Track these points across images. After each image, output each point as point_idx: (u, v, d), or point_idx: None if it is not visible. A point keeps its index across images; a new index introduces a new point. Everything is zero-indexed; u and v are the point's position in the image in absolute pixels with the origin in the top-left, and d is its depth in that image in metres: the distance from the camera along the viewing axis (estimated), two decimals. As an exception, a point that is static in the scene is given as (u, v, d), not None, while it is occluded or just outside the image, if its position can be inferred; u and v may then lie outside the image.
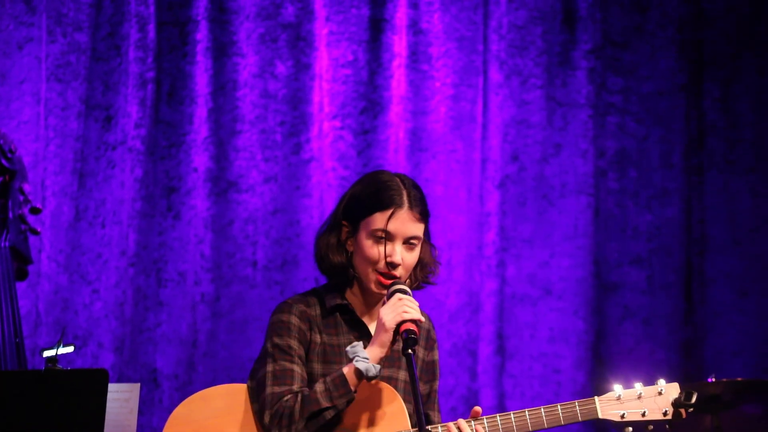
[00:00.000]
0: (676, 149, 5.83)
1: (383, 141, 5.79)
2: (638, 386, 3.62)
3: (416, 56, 5.83)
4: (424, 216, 3.53)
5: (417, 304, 3.45)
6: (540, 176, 5.82)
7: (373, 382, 3.48)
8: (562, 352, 5.72)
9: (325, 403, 3.40)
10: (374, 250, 3.50)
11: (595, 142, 5.82)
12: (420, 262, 3.58)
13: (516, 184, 5.83)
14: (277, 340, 3.53)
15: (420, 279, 3.62)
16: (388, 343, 3.43)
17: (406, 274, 3.54)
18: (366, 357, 3.41)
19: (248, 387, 3.56)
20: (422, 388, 3.65)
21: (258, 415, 3.49)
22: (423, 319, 3.45)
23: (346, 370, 3.43)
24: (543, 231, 5.81)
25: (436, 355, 3.72)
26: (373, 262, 3.50)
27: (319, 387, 3.42)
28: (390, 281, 3.49)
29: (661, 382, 3.61)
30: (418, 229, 3.51)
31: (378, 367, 3.41)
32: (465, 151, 5.82)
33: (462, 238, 5.79)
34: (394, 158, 5.78)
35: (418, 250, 3.54)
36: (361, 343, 3.45)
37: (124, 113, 5.67)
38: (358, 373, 3.41)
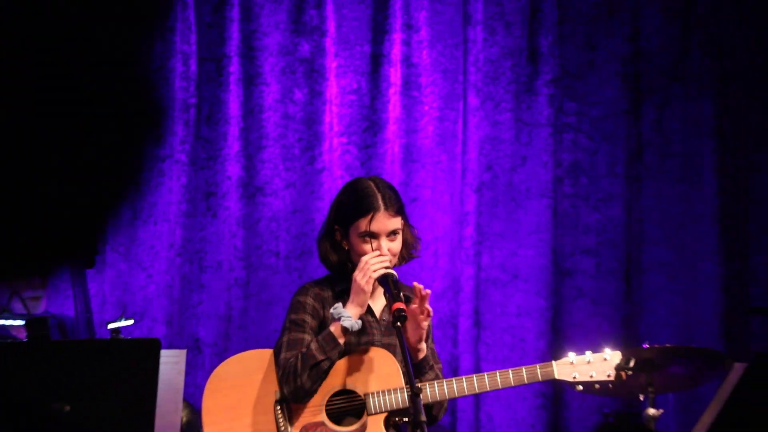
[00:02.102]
0: (619, 161, 5.82)
1: (382, 154, 5.78)
2: (588, 353, 3.66)
3: (408, 85, 5.81)
4: (399, 210, 3.52)
5: (386, 257, 3.44)
6: (510, 183, 5.81)
7: (375, 349, 3.52)
8: (526, 325, 5.71)
9: (320, 357, 3.40)
10: (365, 248, 3.51)
11: (555, 155, 5.80)
12: (405, 243, 3.59)
13: (490, 189, 5.81)
14: (293, 316, 3.54)
15: (407, 256, 3.64)
16: (366, 302, 3.45)
17: (396, 258, 3.56)
18: (348, 315, 3.43)
19: (273, 353, 3.57)
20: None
21: (277, 375, 3.50)
22: (393, 271, 3.44)
23: (332, 328, 3.44)
24: (512, 227, 5.80)
25: (429, 325, 3.70)
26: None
27: (313, 345, 3.42)
28: None
29: (607, 350, 3.65)
30: (396, 222, 3.51)
31: (360, 322, 3.43)
32: (448, 162, 5.80)
33: (446, 233, 5.78)
34: (391, 168, 5.76)
35: (400, 236, 3.55)
36: (339, 304, 3.46)
37: (171, 132, 5.65)
38: (344, 329, 3.43)
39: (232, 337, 5.60)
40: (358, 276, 3.44)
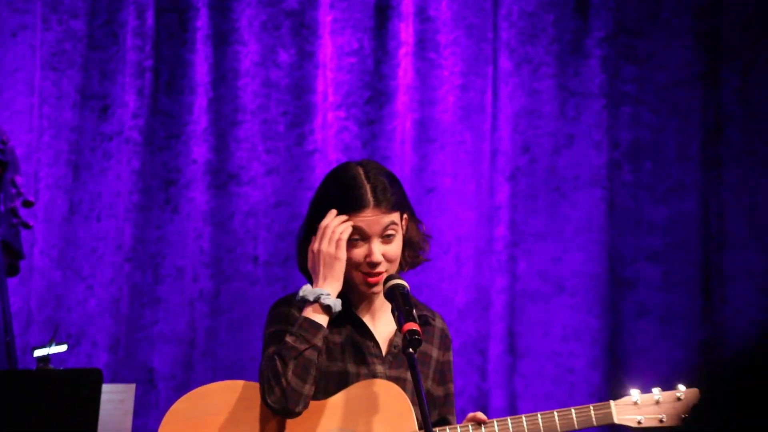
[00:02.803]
0: (692, 141, 5.82)
1: (389, 131, 5.80)
2: (656, 391, 3.61)
3: (423, 44, 5.84)
4: (396, 205, 3.51)
5: (346, 228, 3.47)
6: (552, 168, 5.83)
7: (381, 382, 3.50)
8: (575, 351, 5.73)
9: (302, 346, 3.41)
10: (352, 253, 3.49)
11: (609, 132, 5.82)
12: (408, 243, 3.58)
13: (527, 177, 5.83)
14: (273, 328, 3.54)
15: (411, 260, 3.62)
16: (342, 272, 3.47)
17: (394, 265, 3.53)
18: (327, 293, 3.45)
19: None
20: (437, 390, 3.65)
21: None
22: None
23: (309, 311, 3.45)
24: (555, 225, 5.82)
25: (451, 355, 3.71)
26: (355, 265, 3.50)
27: (289, 338, 3.43)
28: (376, 279, 3.49)
29: (681, 386, 3.60)
30: (390, 219, 3.50)
31: (340, 300, 3.46)
32: (474, 142, 5.82)
33: (471, 232, 5.80)
34: (401, 149, 5.79)
35: (398, 237, 3.53)
36: (308, 285, 3.49)
37: (121, 103, 5.70)
38: (326, 309, 3.45)
39: (195, 367, 5.64)
40: (324, 244, 3.45)
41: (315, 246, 3.48)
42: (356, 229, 3.48)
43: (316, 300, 3.45)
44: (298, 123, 5.80)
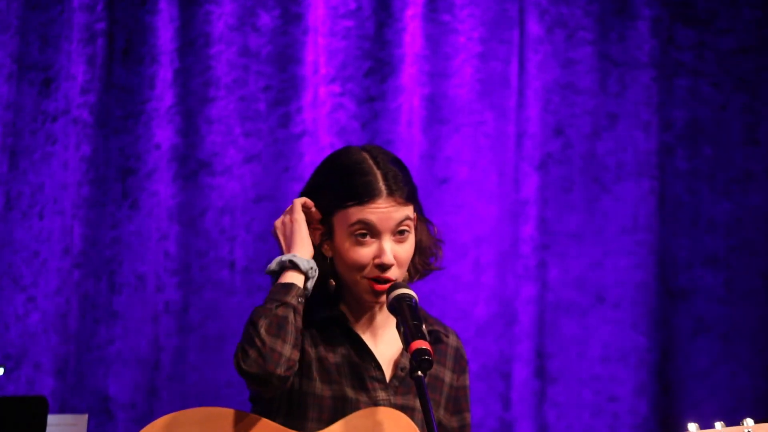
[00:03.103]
0: (762, 121, 5.84)
1: (393, 110, 5.81)
2: (719, 426, 3.52)
3: (435, 4, 5.85)
4: (410, 196, 3.54)
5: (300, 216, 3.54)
6: (590, 154, 5.84)
7: (387, 411, 3.50)
8: (618, 375, 5.74)
9: (271, 305, 3.45)
10: (358, 253, 3.50)
11: (661, 111, 5.82)
12: (417, 247, 3.59)
13: (560, 165, 5.84)
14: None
15: (422, 267, 3.63)
16: (306, 233, 3.53)
17: (403, 271, 3.54)
18: (293, 254, 3.50)
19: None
20: (451, 420, 3.66)
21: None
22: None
23: (283, 278, 3.51)
24: (594, 223, 5.83)
25: (467, 379, 3.72)
26: (360, 267, 3.50)
27: (260, 307, 3.48)
28: (386, 286, 3.48)
29: (748, 421, 3.52)
30: (404, 213, 3.51)
31: (313, 262, 3.51)
32: (496, 124, 5.82)
33: (492, 232, 5.81)
34: (407, 132, 5.78)
35: (411, 236, 3.54)
36: (279, 257, 3.54)
37: (67, 75, 5.73)
38: (295, 268, 3.50)
39: (160, 394, 5.67)
40: (285, 218, 3.58)
41: (277, 222, 3.58)
42: (364, 224, 3.48)
43: (282, 266, 3.49)
44: (282, 100, 5.81)
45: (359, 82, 5.81)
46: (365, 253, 3.48)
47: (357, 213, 3.47)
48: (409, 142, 5.75)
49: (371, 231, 3.48)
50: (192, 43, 5.79)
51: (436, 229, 3.63)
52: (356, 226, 3.48)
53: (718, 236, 5.81)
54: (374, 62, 5.82)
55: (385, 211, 3.48)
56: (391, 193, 3.48)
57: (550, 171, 5.83)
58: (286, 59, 5.81)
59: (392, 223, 3.48)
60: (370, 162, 3.52)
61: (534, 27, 5.83)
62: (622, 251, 5.79)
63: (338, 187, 3.51)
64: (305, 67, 5.80)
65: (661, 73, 5.83)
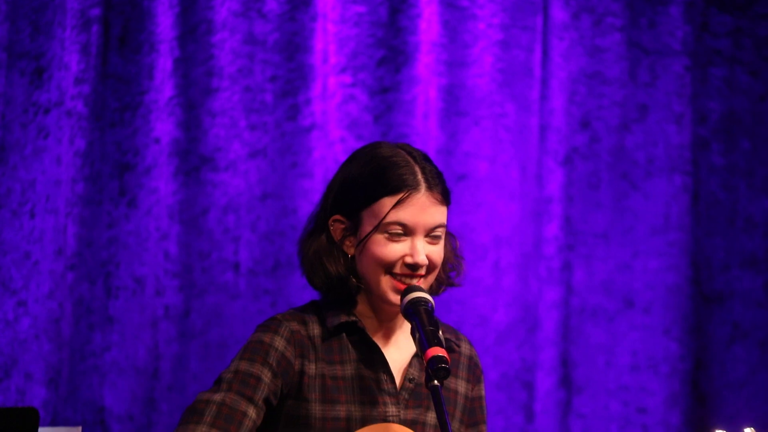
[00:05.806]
0: None
1: (408, 102, 5.81)
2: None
3: None
4: (446, 197, 3.55)
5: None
6: (619, 149, 5.84)
7: (393, 426, 3.50)
8: (649, 386, 5.74)
9: None
10: (389, 249, 3.49)
11: (695, 102, 5.82)
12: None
13: (586, 160, 5.84)
14: (244, 365, 3.55)
15: (444, 281, 3.65)
16: None
17: (430, 280, 3.56)
18: None
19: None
20: None
21: None
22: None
23: None
24: (622, 223, 5.83)
25: (483, 389, 3.72)
26: (388, 265, 3.50)
27: None
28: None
29: None
30: (441, 215, 3.53)
31: None
32: (518, 116, 5.84)
33: (514, 232, 5.81)
34: (423, 125, 5.79)
35: (442, 243, 3.56)
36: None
37: (60, 64, 5.74)
38: None
39: (158, 405, 5.68)
40: None
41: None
42: (397, 219, 3.48)
43: None
44: (290, 91, 5.82)
45: (372, 71, 5.82)
46: (396, 249, 3.49)
47: (390, 206, 3.48)
48: (425, 135, 5.76)
49: (405, 227, 3.48)
50: (193, 30, 5.81)
51: (458, 244, 3.64)
52: (389, 222, 3.49)
53: (757, 236, 5.81)
54: (387, 50, 5.83)
55: (422, 206, 3.49)
56: (429, 188, 3.50)
57: (575, 167, 5.83)
58: (293, 47, 5.82)
59: (429, 221, 3.50)
60: (406, 155, 3.54)
61: (559, 12, 5.84)
62: (652, 252, 5.79)
63: (371, 180, 3.52)
64: (314, 56, 5.82)
65: (695, 62, 5.83)
